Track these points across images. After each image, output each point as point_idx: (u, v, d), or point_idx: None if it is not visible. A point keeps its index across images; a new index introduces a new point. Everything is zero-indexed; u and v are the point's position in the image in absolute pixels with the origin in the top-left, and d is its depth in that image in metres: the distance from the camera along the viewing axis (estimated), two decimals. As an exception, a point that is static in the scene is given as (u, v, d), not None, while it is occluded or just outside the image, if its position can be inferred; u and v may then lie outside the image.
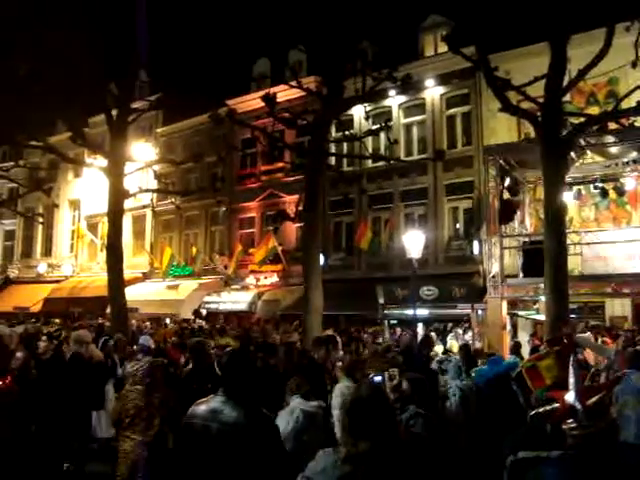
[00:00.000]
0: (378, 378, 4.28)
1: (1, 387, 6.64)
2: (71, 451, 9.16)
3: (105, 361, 10.83)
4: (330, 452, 3.17)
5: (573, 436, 3.48)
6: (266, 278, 26.95)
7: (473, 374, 8.35)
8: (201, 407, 4.13)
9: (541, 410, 4.17)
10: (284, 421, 5.40)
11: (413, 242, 18.47)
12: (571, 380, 3.89)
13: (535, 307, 18.38)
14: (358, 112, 23.47)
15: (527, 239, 17.02)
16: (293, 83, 17.04)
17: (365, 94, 16.59)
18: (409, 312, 19.31)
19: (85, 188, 34.01)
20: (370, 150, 21.85)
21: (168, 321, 24.68)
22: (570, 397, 3.75)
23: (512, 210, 17.34)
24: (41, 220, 32.43)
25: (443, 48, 21.59)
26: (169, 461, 6.76)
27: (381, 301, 22.27)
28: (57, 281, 34.86)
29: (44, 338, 11.74)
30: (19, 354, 8.53)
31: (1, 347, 8.48)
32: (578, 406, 3.60)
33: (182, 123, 31.02)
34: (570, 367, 4.10)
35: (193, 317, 23.73)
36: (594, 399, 3.62)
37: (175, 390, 7.30)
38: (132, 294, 21.83)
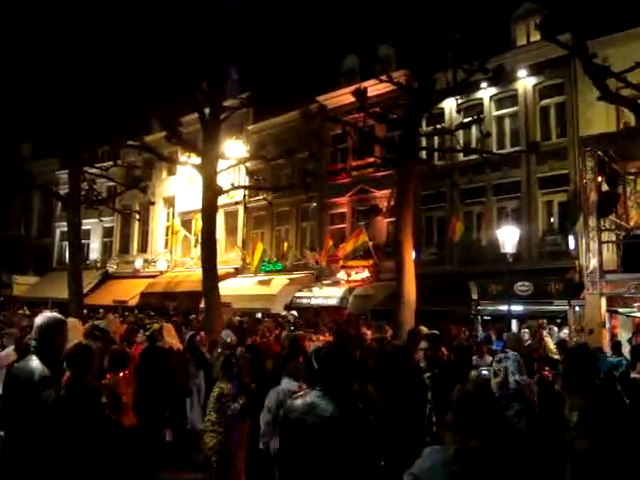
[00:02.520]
0: (485, 373, 4.17)
1: (119, 379, 6.89)
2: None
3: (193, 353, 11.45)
4: (438, 450, 3.13)
5: None
6: (357, 273, 26.90)
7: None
8: (298, 401, 4.17)
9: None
10: None
11: (507, 236, 18.11)
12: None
13: (636, 304, 17.70)
14: (449, 105, 23.32)
15: (627, 233, 16.43)
16: (383, 77, 16.99)
17: (456, 86, 16.37)
18: (503, 308, 18.94)
19: (179, 185, 34.82)
20: (462, 143, 21.50)
21: (260, 315, 25.02)
22: None
23: (611, 203, 16.75)
24: (137, 217, 33.40)
25: (536, 37, 21.07)
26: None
27: (474, 297, 21.91)
28: (153, 276, 35.73)
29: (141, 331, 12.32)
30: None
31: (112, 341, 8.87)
32: None
33: (272, 120, 31.26)
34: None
35: (286, 312, 23.96)
36: None
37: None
38: (224, 289, 22.26)
